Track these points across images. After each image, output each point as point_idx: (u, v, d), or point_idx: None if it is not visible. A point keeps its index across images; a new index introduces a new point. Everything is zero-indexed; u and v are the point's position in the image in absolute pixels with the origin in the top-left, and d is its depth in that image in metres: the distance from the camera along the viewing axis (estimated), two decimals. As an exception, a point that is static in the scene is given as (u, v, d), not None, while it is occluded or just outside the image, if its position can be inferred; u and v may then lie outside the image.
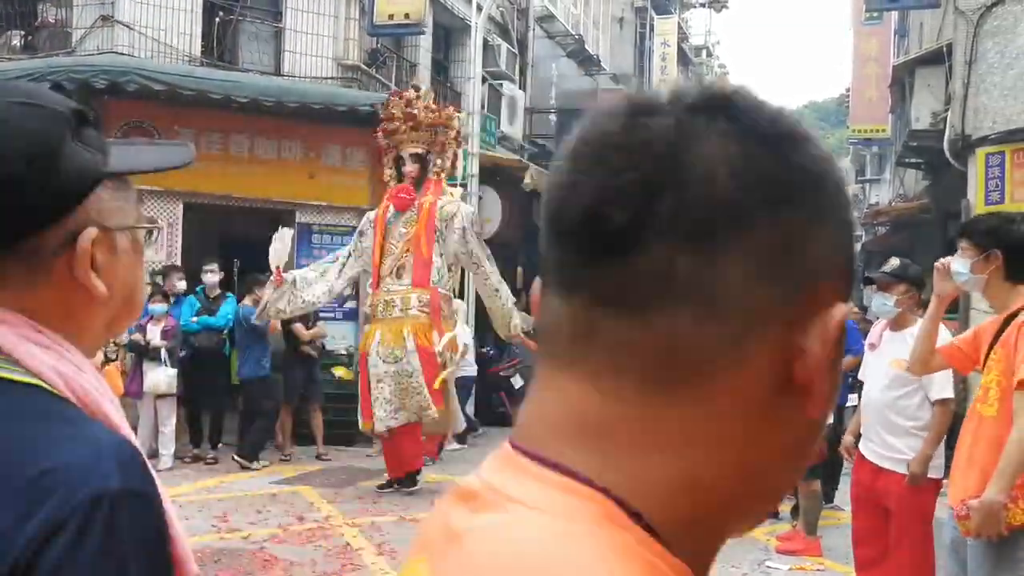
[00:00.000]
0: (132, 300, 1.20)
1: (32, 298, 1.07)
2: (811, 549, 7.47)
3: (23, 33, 13.17)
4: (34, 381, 1.03)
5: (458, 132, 10.22)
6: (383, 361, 9.20)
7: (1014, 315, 3.86)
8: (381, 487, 9.44)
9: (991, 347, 3.93)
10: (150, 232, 1.26)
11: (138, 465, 1.01)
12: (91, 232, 1.09)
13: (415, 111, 9.78)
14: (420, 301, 9.33)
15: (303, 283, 9.62)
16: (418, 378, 9.11)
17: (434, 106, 10.09)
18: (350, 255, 9.95)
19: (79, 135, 1.11)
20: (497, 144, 16.53)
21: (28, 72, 11.27)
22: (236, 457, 10.38)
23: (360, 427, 9.82)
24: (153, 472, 1.05)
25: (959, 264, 4.08)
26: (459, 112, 10.74)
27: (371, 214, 10.01)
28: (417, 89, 10.34)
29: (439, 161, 9.82)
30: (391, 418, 9.11)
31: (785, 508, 8.63)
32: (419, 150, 9.75)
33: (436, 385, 9.17)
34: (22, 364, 1.03)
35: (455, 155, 10.18)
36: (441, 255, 9.56)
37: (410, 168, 9.71)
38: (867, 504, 5.52)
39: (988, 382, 3.88)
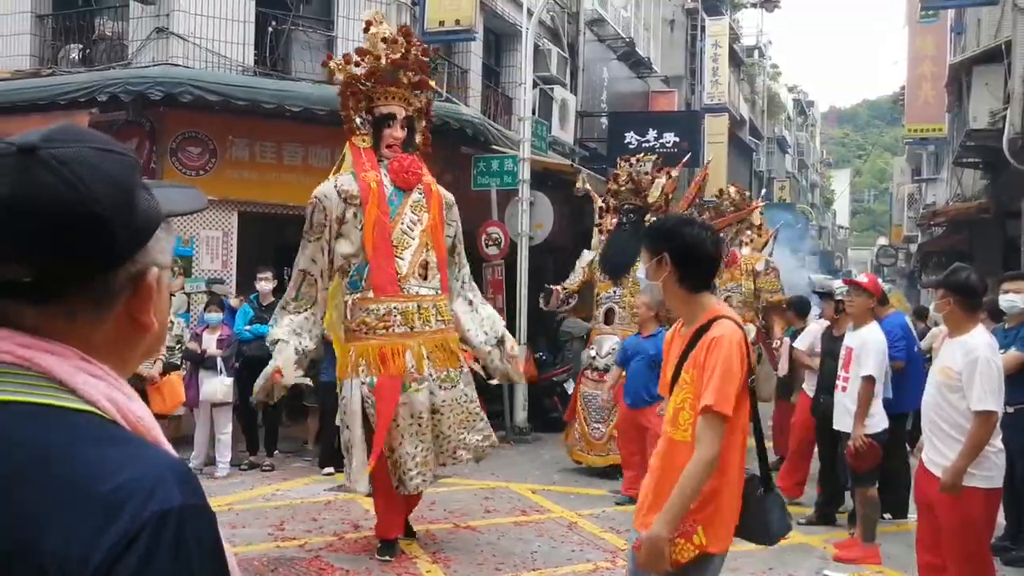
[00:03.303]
0: (164, 330, 1.29)
1: (94, 333, 1.15)
2: (870, 557, 7.28)
3: (81, 46, 13.44)
4: (88, 408, 1.10)
5: (430, 102, 7.93)
6: (441, 388, 7.20)
7: (704, 328, 3.50)
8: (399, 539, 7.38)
9: (680, 363, 3.56)
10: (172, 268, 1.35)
11: (195, 483, 1.10)
12: (155, 271, 1.18)
13: (411, 57, 7.58)
14: (449, 311, 7.54)
15: (298, 341, 7.24)
16: (476, 403, 7.47)
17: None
18: (311, 303, 7.33)
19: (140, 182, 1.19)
20: (548, 149, 16.51)
21: (87, 84, 11.49)
22: (326, 470, 10.17)
23: (351, 483, 7.24)
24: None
25: (641, 269, 3.76)
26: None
27: (346, 185, 7.25)
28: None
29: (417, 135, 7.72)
30: (450, 458, 7.33)
31: (842, 515, 8.50)
32: (409, 112, 7.61)
33: None
34: (77, 393, 1.10)
35: (426, 130, 7.84)
36: None
37: (400, 134, 7.50)
38: (927, 510, 5.43)
39: (680, 402, 3.51)
